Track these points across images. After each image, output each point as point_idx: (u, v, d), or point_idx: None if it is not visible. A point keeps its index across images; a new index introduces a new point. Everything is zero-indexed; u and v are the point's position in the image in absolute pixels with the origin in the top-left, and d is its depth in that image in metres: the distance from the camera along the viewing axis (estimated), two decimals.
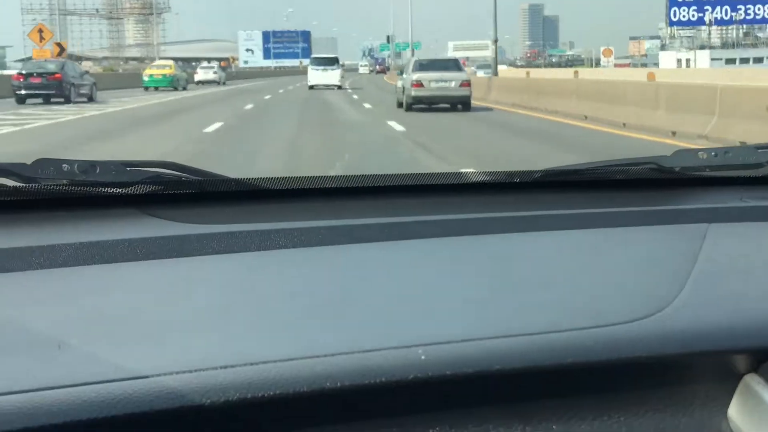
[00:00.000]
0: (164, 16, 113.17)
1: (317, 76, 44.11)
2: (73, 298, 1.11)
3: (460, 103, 23.20)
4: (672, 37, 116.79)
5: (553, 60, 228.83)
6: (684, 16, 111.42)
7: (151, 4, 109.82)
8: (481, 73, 54.89)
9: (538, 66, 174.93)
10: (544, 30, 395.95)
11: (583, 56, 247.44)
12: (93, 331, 1.00)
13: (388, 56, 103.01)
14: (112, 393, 0.85)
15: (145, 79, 43.66)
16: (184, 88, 44.65)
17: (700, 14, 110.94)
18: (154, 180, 1.39)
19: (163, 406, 0.87)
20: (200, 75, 56.71)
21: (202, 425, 0.90)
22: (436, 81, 22.92)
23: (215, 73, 57.32)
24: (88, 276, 1.18)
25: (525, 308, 1.12)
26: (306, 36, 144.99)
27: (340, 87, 43.31)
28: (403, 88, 23.91)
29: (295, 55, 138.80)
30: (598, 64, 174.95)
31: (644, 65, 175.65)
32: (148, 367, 0.90)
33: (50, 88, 28.53)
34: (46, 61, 31.96)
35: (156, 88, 42.63)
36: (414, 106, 22.79)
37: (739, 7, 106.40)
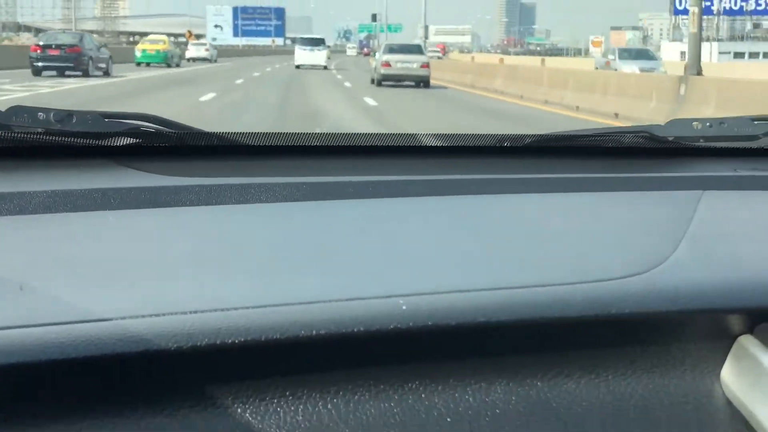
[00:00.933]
0: None
1: (304, 56, 45.30)
2: (42, 244, 1.09)
3: (421, 81, 27.62)
4: (676, 27, 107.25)
5: (530, 48, 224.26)
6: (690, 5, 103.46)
7: None
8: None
9: (517, 54, 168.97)
10: (520, 17, 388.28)
11: (565, 46, 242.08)
12: (59, 276, 0.98)
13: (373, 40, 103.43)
14: (74, 335, 0.84)
15: (138, 54, 42.11)
16: (177, 65, 43.51)
17: (708, 3, 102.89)
18: (132, 132, 1.35)
19: (126, 349, 0.85)
20: (192, 52, 56.02)
21: (169, 371, 0.89)
22: (402, 62, 27.47)
23: (207, 50, 57.07)
24: (58, 223, 1.15)
25: (512, 263, 1.11)
26: (280, 13, 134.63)
27: (325, 67, 44.69)
28: (375, 67, 28.92)
29: (267, 33, 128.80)
30: (586, 53, 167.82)
31: None
32: (114, 310, 0.88)
33: (68, 60, 27.82)
34: (64, 32, 32.05)
35: (148, 64, 41.40)
36: (383, 83, 27.36)
37: None
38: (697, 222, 1.25)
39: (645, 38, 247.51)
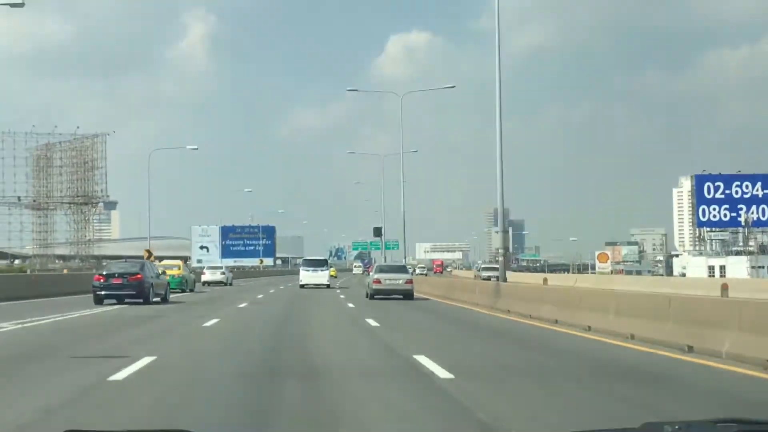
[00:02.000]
0: (100, 209, 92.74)
1: (308, 276, 47.84)
2: None
3: (404, 295, 33.29)
4: (701, 239, 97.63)
5: (523, 264, 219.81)
6: (714, 216, 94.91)
7: (86, 193, 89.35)
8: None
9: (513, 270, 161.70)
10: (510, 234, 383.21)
11: (560, 261, 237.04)
12: None
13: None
14: None
15: None
16: (192, 290, 44.00)
17: (733, 214, 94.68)
18: None
19: None
20: (207, 276, 58.25)
21: None
22: (390, 279, 33.76)
23: (223, 273, 59.49)
24: None
25: None
26: (270, 232, 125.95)
27: (328, 286, 48.21)
28: (368, 283, 35.49)
29: (256, 254, 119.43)
30: (589, 268, 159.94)
31: (639, 272, 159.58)
32: None
33: (131, 288, 28.63)
34: (126, 261, 32.81)
35: None
36: (375, 296, 33.25)
37: None
38: None
39: (641, 253, 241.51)
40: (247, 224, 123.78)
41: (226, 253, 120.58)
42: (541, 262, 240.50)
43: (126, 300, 28.53)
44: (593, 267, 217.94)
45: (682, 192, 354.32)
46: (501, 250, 30.69)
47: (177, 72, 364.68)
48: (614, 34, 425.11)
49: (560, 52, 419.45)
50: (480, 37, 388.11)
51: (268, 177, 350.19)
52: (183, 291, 41.89)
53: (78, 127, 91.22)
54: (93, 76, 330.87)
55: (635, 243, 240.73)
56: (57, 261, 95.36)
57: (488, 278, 52.77)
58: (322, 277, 48.02)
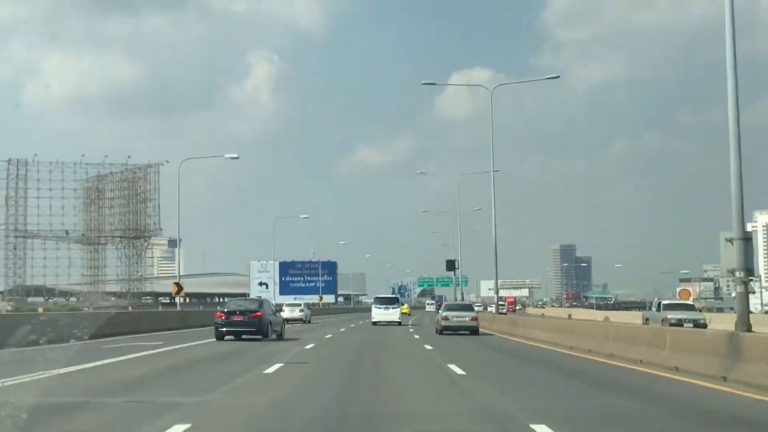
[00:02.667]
0: (153, 244, 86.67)
1: (380, 313, 50.66)
2: None
3: (470, 330, 36.83)
4: None
5: (591, 302, 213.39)
6: None
7: (138, 226, 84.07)
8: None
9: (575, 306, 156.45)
10: (576, 271, 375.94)
11: (626, 299, 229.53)
12: None
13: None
14: None
15: None
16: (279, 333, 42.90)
17: None
18: None
19: None
20: (286, 313, 57.02)
21: None
22: (456, 316, 37.36)
23: (302, 311, 60.06)
24: None
25: None
26: (332, 268, 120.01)
27: (399, 323, 50.99)
28: (437, 320, 39.28)
29: (315, 291, 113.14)
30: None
31: (721, 309, 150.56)
32: None
33: (251, 325, 29.93)
34: (246, 299, 36.23)
35: None
36: (444, 332, 36.55)
37: None
38: None
39: (717, 289, 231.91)
40: (307, 260, 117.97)
41: (284, 289, 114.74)
42: (613, 299, 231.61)
43: (244, 336, 29.95)
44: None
45: (756, 226, 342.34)
46: (739, 274, 17.78)
47: (241, 110, 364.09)
48: (680, 68, 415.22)
49: (626, 85, 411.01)
50: (542, 73, 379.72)
51: (328, 212, 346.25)
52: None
53: (129, 157, 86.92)
54: (159, 115, 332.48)
55: (710, 279, 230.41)
56: (111, 298, 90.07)
57: (679, 322, 38.74)
58: (393, 314, 50.78)
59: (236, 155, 55.11)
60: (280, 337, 31.45)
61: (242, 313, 29.93)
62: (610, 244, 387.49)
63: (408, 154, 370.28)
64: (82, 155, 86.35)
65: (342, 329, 42.92)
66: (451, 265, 67.83)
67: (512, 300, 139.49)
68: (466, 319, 36.99)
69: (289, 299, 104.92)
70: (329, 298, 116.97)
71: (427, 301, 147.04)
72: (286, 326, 46.83)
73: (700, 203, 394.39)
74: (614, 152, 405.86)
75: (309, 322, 58.71)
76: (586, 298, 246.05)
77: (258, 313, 30.00)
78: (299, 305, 63.36)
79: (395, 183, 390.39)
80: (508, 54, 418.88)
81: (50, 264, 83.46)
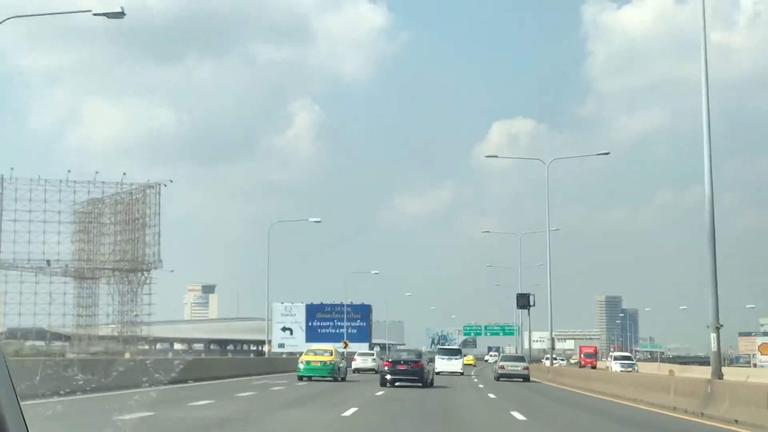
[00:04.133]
0: (152, 276, 71.57)
1: (443, 364, 52.63)
2: None
3: (523, 377, 44.73)
4: None
5: (639, 355, 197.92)
6: None
7: (135, 257, 69.61)
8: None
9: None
10: (624, 322, 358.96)
11: (679, 353, 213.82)
12: None
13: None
14: None
15: (301, 366, 39.34)
16: (343, 379, 40.38)
17: None
18: None
19: None
20: (358, 362, 56.66)
21: None
22: (511, 366, 45.71)
23: (374, 360, 57.07)
24: None
25: None
26: (365, 312, 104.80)
27: (462, 373, 53.10)
28: (495, 369, 48.42)
29: (340, 337, 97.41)
30: (733, 361, 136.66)
31: None
32: None
33: (414, 374, 33.22)
34: (407, 351, 40.41)
35: (310, 378, 38.80)
36: (500, 378, 44.72)
37: None
38: None
39: None
40: (338, 302, 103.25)
41: (311, 335, 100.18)
42: (664, 353, 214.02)
43: (406, 384, 33.12)
44: (736, 359, 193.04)
45: None
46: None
47: (283, 159, 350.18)
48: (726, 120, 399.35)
49: (670, 136, 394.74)
50: (582, 123, 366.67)
51: (370, 261, 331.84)
52: (335, 380, 39.00)
53: (125, 174, 73.83)
54: (200, 164, 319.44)
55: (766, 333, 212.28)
56: (99, 341, 75.17)
57: None
58: (455, 365, 52.93)
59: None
60: (431, 384, 34.91)
61: (406, 362, 33.67)
62: (656, 297, 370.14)
63: (446, 204, 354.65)
64: (69, 171, 70.98)
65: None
66: (525, 301, 53.56)
67: (592, 351, 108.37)
68: (519, 368, 45.67)
69: (317, 346, 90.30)
70: (362, 347, 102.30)
71: (490, 353, 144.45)
72: (357, 376, 47.11)
73: (749, 253, 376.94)
74: (658, 203, 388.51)
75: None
76: (637, 352, 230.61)
77: (420, 364, 33.82)
78: (372, 354, 60.27)
79: (433, 233, 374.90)
80: (550, 105, 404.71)
81: (42, 301, 69.35)
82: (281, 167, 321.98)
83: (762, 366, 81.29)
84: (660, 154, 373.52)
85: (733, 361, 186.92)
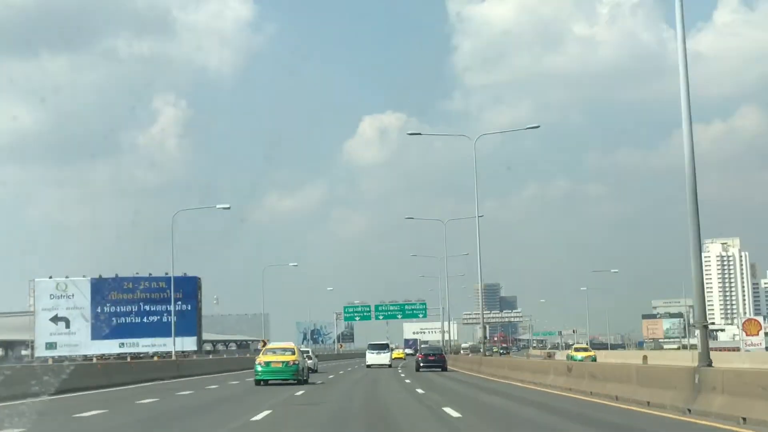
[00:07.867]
0: None
1: (373, 357, 59.12)
2: None
3: (440, 366, 49.89)
4: None
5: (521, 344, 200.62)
6: None
7: None
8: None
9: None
10: (502, 309, 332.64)
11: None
12: None
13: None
14: None
15: (259, 369, 31.06)
16: (306, 380, 33.02)
17: None
18: None
19: None
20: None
21: None
22: (430, 355, 52.15)
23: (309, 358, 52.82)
24: None
25: None
26: (191, 288, 65.63)
27: (390, 366, 59.31)
28: (417, 360, 52.57)
29: (149, 328, 58.53)
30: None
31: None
32: None
33: (438, 363, 50.26)
34: (431, 348, 58.95)
35: (267, 382, 31.05)
36: (420, 369, 49.24)
37: None
38: None
39: (691, 326, 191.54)
40: (145, 275, 64.51)
41: (100, 328, 61.33)
42: (558, 341, 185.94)
43: (433, 369, 48.55)
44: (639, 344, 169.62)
45: (710, 257, 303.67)
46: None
47: (146, 157, 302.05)
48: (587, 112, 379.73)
49: (535, 130, 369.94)
50: (450, 117, 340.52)
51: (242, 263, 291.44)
52: (298, 381, 31.48)
53: None
54: (59, 164, 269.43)
55: (678, 314, 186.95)
56: None
57: None
58: (384, 358, 59.48)
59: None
60: (444, 369, 49.71)
61: (433, 355, 51.87)
62: (533, 285, 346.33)
63: (316, 202, 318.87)
64: None
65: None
66: None
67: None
68: (437, 358, 52.48)
69: (110, 345, 52.47)
70: (188, 343, 64.30)
71: (406, 349, 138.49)
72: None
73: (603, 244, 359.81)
74: (526, 195, 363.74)
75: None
76: (509, 341, 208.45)
77: (442, 355, 52.51)
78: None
79: (306, 229, 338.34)
80: (420, 99, 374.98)
81: None
82: (148, 166, 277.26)
83: (749, 350, 68.67)
84: (527, 148, 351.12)
85: (639, 346, 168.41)
